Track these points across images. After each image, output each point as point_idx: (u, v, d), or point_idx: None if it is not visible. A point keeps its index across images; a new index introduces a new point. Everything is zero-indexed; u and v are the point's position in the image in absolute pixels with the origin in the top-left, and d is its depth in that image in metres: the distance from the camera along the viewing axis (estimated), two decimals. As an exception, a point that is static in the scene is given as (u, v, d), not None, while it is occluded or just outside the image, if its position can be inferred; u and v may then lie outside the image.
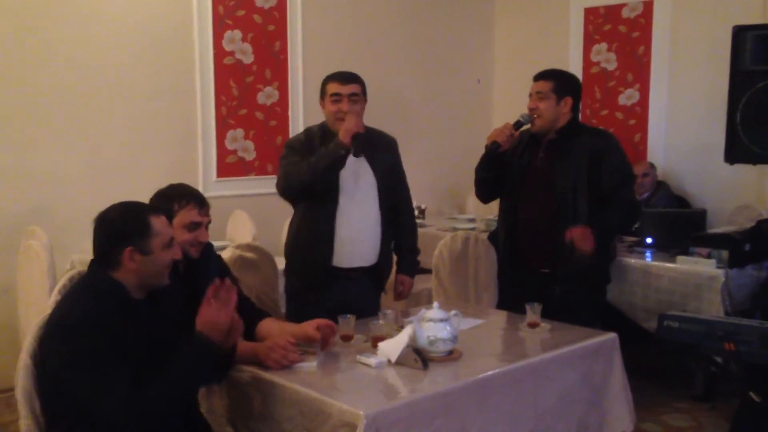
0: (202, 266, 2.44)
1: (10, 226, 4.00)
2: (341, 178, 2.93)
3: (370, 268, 3.04)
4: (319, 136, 3.00)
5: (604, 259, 3.43)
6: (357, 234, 2.97)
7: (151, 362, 1.90)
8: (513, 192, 3.32)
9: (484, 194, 3.46)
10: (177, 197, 2.39)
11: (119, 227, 2.01)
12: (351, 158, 2.95)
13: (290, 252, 3.10)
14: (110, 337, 1.86)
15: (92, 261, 2.05)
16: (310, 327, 2.36)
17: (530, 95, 3.27)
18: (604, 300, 3.63)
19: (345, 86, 2.94)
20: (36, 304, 3.25)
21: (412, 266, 3.22)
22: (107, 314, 1.90)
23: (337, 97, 2.93)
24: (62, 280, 2.66)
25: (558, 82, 3.24)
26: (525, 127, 3.26)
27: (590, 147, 3.20)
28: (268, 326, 2.45)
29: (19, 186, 4.15)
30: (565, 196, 3.17)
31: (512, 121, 3.22)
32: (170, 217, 2.33)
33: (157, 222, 2.05)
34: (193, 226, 2.38)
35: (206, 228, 2.43)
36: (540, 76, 3.29)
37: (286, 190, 2.97)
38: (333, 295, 2.92)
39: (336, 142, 2.84)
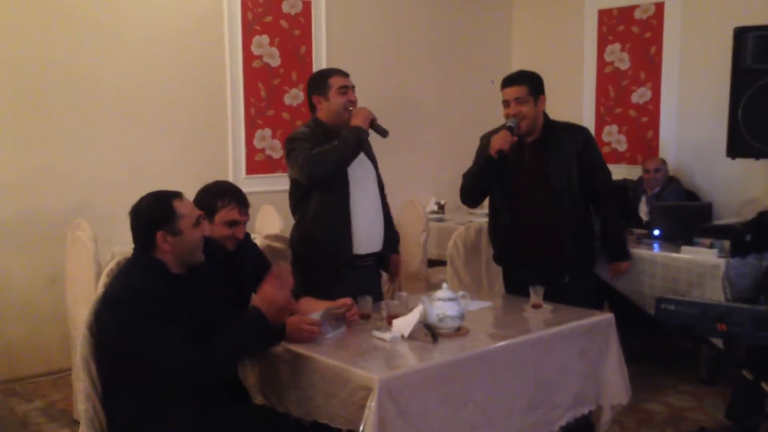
0: (242, 254, 2.67)
1: (56, 220, 4.33)
2: (350, 167, 3.08)
3: (378, 254, 3.24)
4: (321, 130, 3.11)
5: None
6: (369, 221, 3.16)
7: (193, 333, 2.15)
8: (505, 190, 3.44)
9: (475, 199, 3.57)
10: (221, 195, 2.59)
11: (149, 214, 2.25)
12: None
13: (309, 245, 3.12)
14: (159, 306, 2.12)
15: (135, 246, 2.31)
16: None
17: (505, 102, 3.37)
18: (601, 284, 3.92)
19: (348, 79, 3.17)
20: (83, 291, 3.52)
21: (395, 244, 3.45)
22: (154, 287, 2.16)
23: (344, 89, 3.13)
24: (109, 265, 2.93)
25: (531, 84, 3.35)
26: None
27: (575, 141, 3.38)
28: (307, 304, 2.68)
29: (64, 184, 4.49)
30: (561, 188, 3.34)
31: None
32: (213, 213, 2.54)
33: (181, 205, 2.25)
34: (233, 224, 2.60)
35: (244, 225, 2.65)
36: (512, 82, 3.38)
37: (313, 172, 2.97)
38: (346, 284, 3.01)
39: (354, 129, 3.02)
